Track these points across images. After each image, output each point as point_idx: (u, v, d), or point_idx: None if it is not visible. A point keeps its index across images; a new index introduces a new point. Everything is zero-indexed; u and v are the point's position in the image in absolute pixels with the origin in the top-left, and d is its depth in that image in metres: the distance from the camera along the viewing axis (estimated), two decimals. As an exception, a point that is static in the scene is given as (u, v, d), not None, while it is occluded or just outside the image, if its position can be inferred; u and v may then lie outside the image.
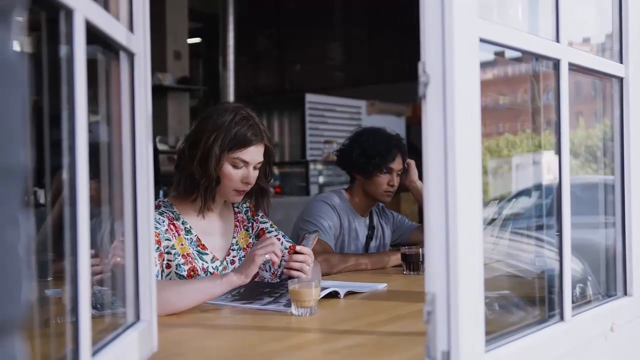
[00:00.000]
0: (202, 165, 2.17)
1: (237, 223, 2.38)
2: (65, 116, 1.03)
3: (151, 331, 1.41)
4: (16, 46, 0.59)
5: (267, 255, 1.98)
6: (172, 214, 2.22)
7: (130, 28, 1.36)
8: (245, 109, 2.25)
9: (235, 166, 2.19)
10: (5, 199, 0.55)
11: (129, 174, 1.37)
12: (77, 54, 1.02)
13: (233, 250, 2.33)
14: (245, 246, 2.36)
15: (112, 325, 1.35)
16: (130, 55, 1.36)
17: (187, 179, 2.21)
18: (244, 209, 2.43)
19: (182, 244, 2.18)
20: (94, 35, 1.13)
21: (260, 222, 2.44)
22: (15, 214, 0.56)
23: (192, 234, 2.22)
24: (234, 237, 2.35)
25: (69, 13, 1.00)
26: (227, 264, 2.29)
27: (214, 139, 2.15)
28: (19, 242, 0.57)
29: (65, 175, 1.02)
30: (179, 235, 2.19)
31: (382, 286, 2.35)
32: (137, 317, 1.38)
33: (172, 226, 2.18)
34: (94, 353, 1.10)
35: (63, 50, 1.03)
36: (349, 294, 2.18)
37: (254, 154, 2.21)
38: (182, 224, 2.22)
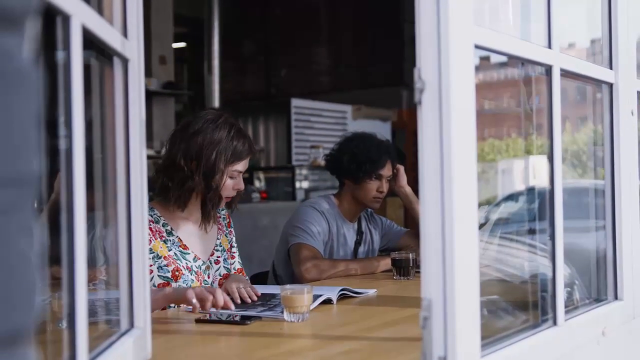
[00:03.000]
0: (206, 180, 2.24)
1: (220, 226, 2.47)
2: (62, 121, 1.02)
3: (145, 338, 1.40)
4: (29, 53, 0.58)
5: (194, 300, 1.88)
6: (152, 216, 2.26)
7: (125, 34, 1.35)
8: (231, 119, 2.34)
9: (231, 177, 2.30)
10: (18, 207, 0.55)
11: (122, 181, 1.36)
12: (74, 60, 1.01)
13: (217, 250, 2.42)
14: (226, 248, 2.46)
15: (105, 333, 1.34)
16: (125, 61, 1.35)
17: (188, 192, 2.26)
18: (222, 216, 2.51)
19: (161, 247, 2.24)
20: (89, 41, 1.12)
21: (233, 235, 2.54)
22: (28, 222, 0.56)
23: (173, 235, 2.29)
24: (218, 239, 2.43)
25: (66, 19, 1.00)
26: (210, 263, 2.37)
27: (216, 156, 2.24)
28: (32, 250, 0.57)
29: (62, 181, 1.01)
30: (156, 239, 2.25)
31: (372, 292, 2.35)
32: (131, 324, 1.37)
33: (149, 230, 2.20)
34: (90, 361, 1.10)
35: (59, 55, 1.02)
36: (342, 297, 2.18)
37: (247, 163, 2.35)
38: (163, 226, 2.29)
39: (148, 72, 7.38)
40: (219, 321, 1.87)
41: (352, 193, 3.06)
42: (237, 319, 1.88)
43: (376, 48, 9.34)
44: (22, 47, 0.57)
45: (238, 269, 2.45)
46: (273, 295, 2.18)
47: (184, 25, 9.28)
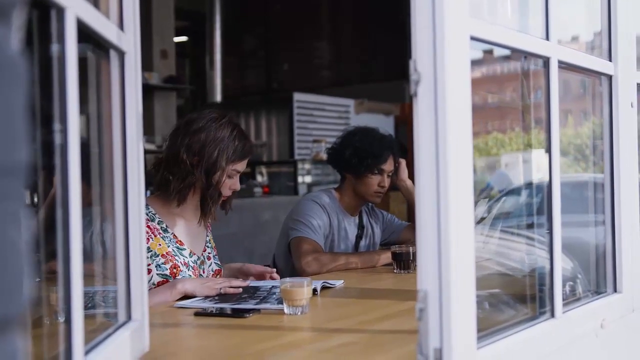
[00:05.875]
0: (207, 176, 2.28)
1: (208, 225, 2.51)
2: (57, 116, 1.02)
3: (143, 331, 1.41)
4: (16, 43, 0.58)
5: (221, 290, 2.14)
6: (147, 215, 2.26)
7: (121, 27, 1.35)
8: (234, 120, 2.38)
9: (229, 176, 2.33)
10: (7, 196, 0.55)
11: (119, 174, 1.36)
12: (69, 53, 1.01)
13: (208, 247, 2.46)
14: (214, 246, 2.51)
15: (103, 325, 1.35)
16: (121, 54, 1.35)
17: (188, 187, 2.29)
18: None
19: (159, 244, 2.27)
20: (84, 34, 1.12)
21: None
22: (17, 211, 0.57)
23: (168, 232, 2.32)
24: (208, 236, 2.48)
25: (61, 11, 1.00)
26: (204, 258, 2.42)
27: (218, 153, 2.27)
28: (20, 239, 0.57)
29: (57, 176, 1.01)
30: (155, 236, 2.27)
31: (339, 282, 2.39)
32: (129, 317, 1.37)
33: (146, 228, 2.23)
34: (86, 352, 1.10)
35: (54, 48, 1.02)
36: (324, 289, 2.23)
37: (245, 164, 2.39)
38: (158, 223, 2.31)
39: (149, 67, 7.38)
40: (218, 314, 1.87)
41: (354, 187, 3.06)
42: (235, 312, 1.88)
43: (378, 42, 9.34)
44: (9, 38, 0.57)
45: (216, 269, 2.47)
46: (257, 288, 2.21)
47: (186, 19, 9.27)
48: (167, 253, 2.26)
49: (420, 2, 1.17)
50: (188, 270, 2.29)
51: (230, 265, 2.55)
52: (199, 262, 2.37)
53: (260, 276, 2.43)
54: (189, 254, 2.34)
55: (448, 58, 1.16)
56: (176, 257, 2.28)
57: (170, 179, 2.28)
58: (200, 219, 2.37)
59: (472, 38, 1.25)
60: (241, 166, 2.35)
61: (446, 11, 1.16)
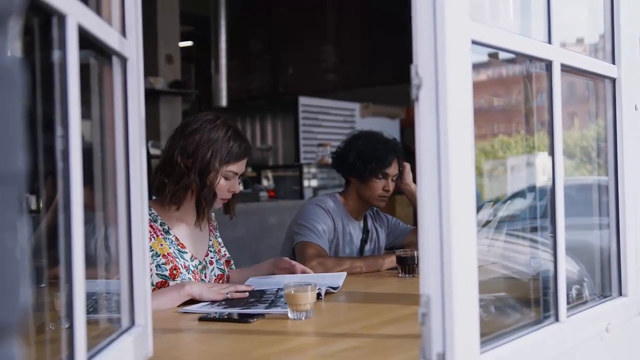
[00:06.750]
0: (201, 178, 2.27)
1: (211, 228, 2.51)
2: (58, 121, 1.02)
3: (146, 336, 1.41)
4: (13, 52, 0.59)
5: (228, 295, 2.13)
6: (150, 216, 2.28)
7: (123, 33, 1.36)
8: (230, 122, 2.37)
9: (226, 178, 2.32)
10: (3, 204, 0.56)
11: (122, 179, 1.36)
12: (70, 59, 1.02)
13: (211, 251, 2.46)
14: (217, 250, 2.50)
15: (106, 330, 1.35)
16: (123, 60, 1.35)
17: (183, 189, 2.28)
18: (212, 219, 2.56)
19: (161, 245, 2.28)
20: (86, 40, 1.12)
21: (219, 237, 2.56)
22: (13, 218, 0.57)
23: (170, 234, 2.32)
24: (210, 240, 2.48)
25: (62, 18, 1.00)
26: (206, 263, 2.41)
27: (211, 154, 2.27)
28: (17, 246, 0.57)
29: (59, 181, 1.02)
30: (157, 236, 2.28)
31: (342, 275, 2.43)
32: (132, 322, 1.37)
33: (149, 228, 2.23)
34: (89, 358, 1.10)
35: (55, 55, 1.03)
36: (328, 293, 2.22)
37: (243, 165, 2.37)
38: (160, 225, 2.32)
39: (154, 71, 7.37)
40: (222, 319, 1.87)
41: (358, 191, 3.06)
42: (240, 317, 1.88)
43: (383, 45, 9.32)
44: (5, 46, 0.57)
45: (219, 274, 2.47)
46: (263, 292, 2.21)
47: (191, 23, 9.27)
48: (168, 254, 2.27)
49: (421, 5, 1.17)
50: (188, 273, 2.29)
51: (265, 263, 2.57)
52: (200, 266, 2.37)
53: (291, 270, 2.45)
54: (190, 258, 2.33)
55: (449, 62, 1.16)
56: (177, 259, 2.28)
57: (166, 181, 2.28)
58: (196, 222, 2.36)
59: (474, 42, 1.25)
60: (237, 168, 2.33)
61: (447, 15, 1.16)
